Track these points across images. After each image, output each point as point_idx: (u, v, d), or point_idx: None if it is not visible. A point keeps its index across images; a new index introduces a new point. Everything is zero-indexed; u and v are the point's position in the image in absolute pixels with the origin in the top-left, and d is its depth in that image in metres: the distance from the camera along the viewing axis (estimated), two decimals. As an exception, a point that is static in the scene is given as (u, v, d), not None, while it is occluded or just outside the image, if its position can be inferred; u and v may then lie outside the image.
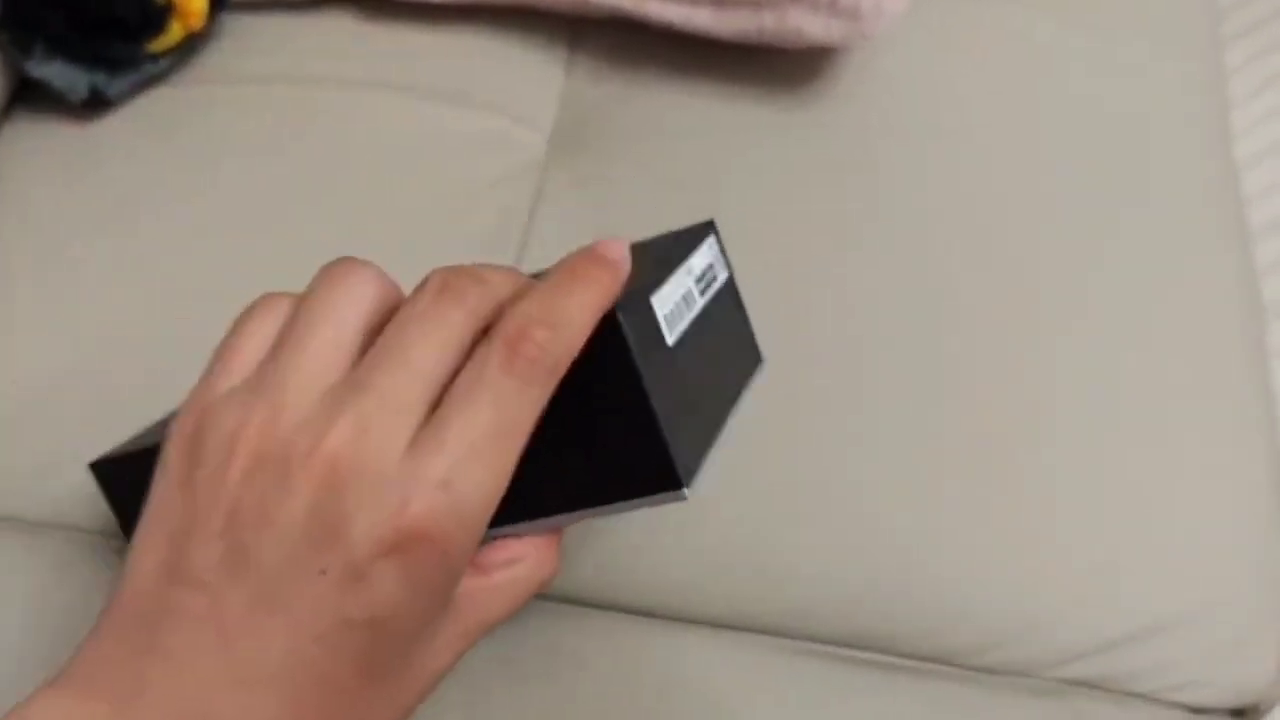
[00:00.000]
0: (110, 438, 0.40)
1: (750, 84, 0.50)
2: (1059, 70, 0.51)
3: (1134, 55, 0.52)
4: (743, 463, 0.39)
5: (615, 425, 0.26)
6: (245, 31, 0.53)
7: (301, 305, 0.25)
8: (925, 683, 0.39)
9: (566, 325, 0.24)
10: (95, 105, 0.49)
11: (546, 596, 0.40)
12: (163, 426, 0.33)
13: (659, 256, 0.30)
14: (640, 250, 0.31)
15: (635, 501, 0.27)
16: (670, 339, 0.27)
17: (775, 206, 0.46)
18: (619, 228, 0.46)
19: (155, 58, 0.50)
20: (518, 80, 0.52)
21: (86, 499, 0.40)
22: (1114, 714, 0.38)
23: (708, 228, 0.32)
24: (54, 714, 0.22)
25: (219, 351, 0.25)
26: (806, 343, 0.43)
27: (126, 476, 0.33)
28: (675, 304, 0.28)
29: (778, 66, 0.50)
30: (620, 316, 0.25)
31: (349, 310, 0.25)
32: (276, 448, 0.22)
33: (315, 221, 0.46)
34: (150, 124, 0.50)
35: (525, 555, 0.26)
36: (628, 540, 0.39)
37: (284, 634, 0.22)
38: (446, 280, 0.25)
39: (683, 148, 0.49)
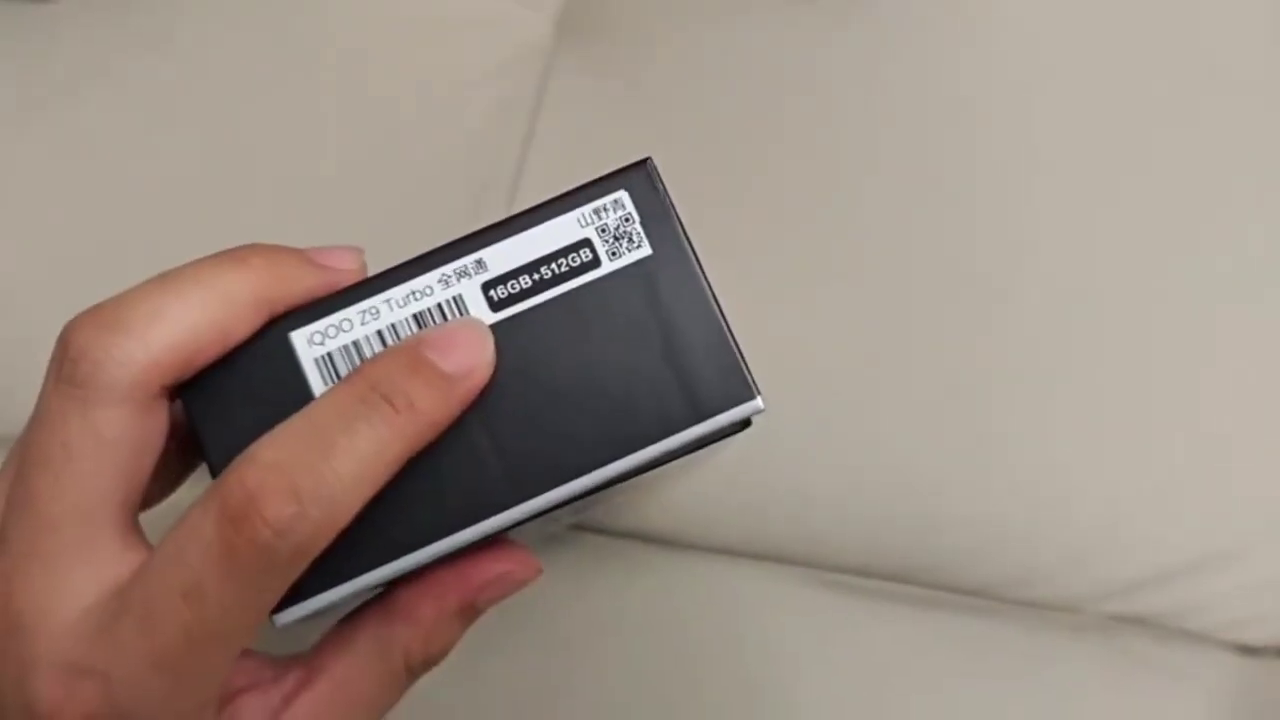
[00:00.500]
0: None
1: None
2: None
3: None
4: (773, 391, 0.36)
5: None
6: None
7: None
8: (961, 616, 0.37)
9: (323, 492, 0.17)
10: (43, -19, 0.44)
11: (581, 526, 0.37)
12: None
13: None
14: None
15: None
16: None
17: (799, 92, 0.42)
18: (636, 120, 0.42)
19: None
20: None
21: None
22: (1161, 654, 0.37)
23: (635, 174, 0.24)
24: None
25: None
26: (836, 245, 0.39)
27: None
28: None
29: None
30: None
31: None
32: None
33: (287, 111, 0.42)
34: (112, 4, 0.44)
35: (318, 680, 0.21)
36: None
37: None
38: (65, 345, 0.18)
39: (707, 30, 0.44)
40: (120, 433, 0.18)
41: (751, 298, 0.39)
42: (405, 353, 0.18)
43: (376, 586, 0.20)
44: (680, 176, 0.40)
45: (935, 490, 0.37)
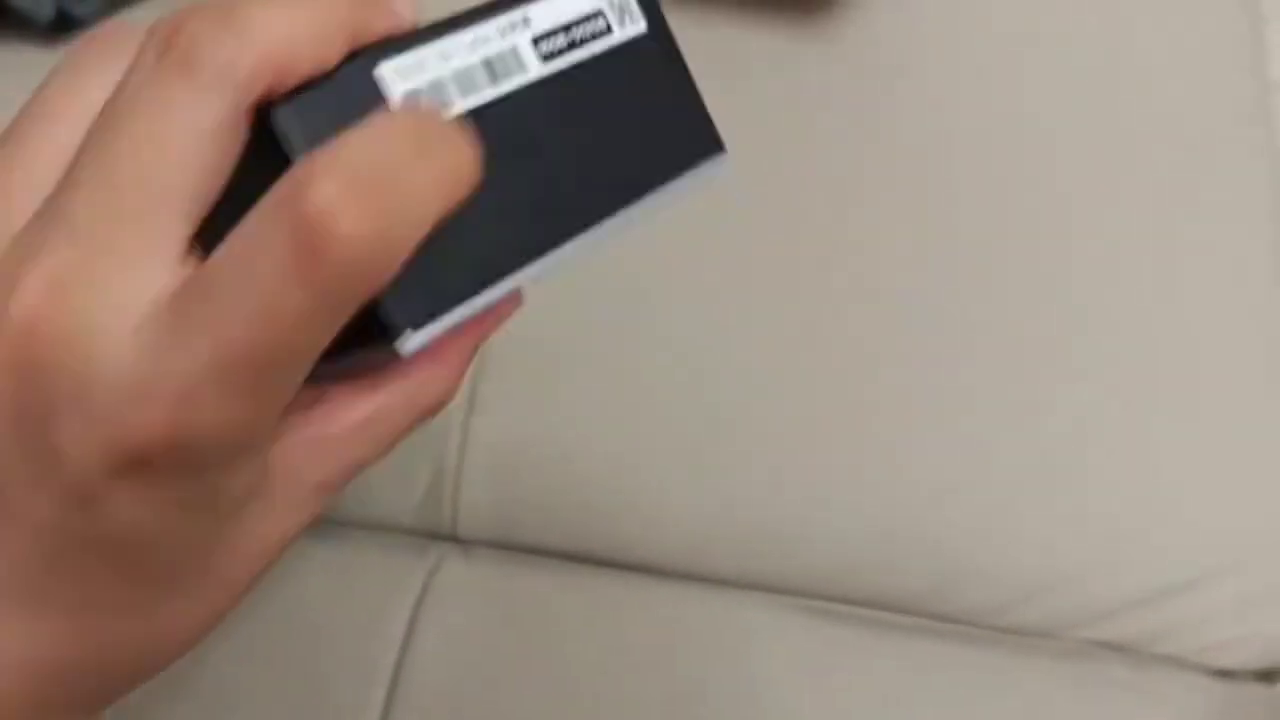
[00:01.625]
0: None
1: (763, 11, 0.47)
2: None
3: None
4: (754, 419, 0.37)
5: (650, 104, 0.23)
6: (222, -55, 0.49)
7: (39, 90, 0.18)
8: (944, 644, 0.38)
9: (402, 217, 0.15)
10: (63, 28, 0.46)
11: (548, 553, 0.38)
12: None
13: None
14: None
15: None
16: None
17: (786, 140, 0.44)
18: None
19: (125, -25, 0.47)
20: None
21: None
22: (1137, 677, 0.37)
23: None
24: None
25: None
26: (817, 287, 0.41)
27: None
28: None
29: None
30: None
31: (88, 94, 0.18)
32: None
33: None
34: (123, 48, 0.46)
35: (389, 382, 0.19)
36: (638, 496, 0.38)
37: (13, 549, 0.17)
38: (175, 31, 0.16)
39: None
40: (217, 131, 0.16)
41: (734, 330, 0.40)
42: None
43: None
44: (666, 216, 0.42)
45: (917, 522, 0.38)
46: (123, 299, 0.16)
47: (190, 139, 0.16)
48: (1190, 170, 0.44)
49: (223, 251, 0.15)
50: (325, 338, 0.15)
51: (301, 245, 0.14)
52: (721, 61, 0.46)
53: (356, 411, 0.19)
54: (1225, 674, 0.38)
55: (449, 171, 0.16)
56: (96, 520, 0.16)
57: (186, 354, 0.15)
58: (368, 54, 0.19)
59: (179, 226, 0.16)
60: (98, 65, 0.18)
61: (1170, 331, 0.41)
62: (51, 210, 0.16)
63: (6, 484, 0.16)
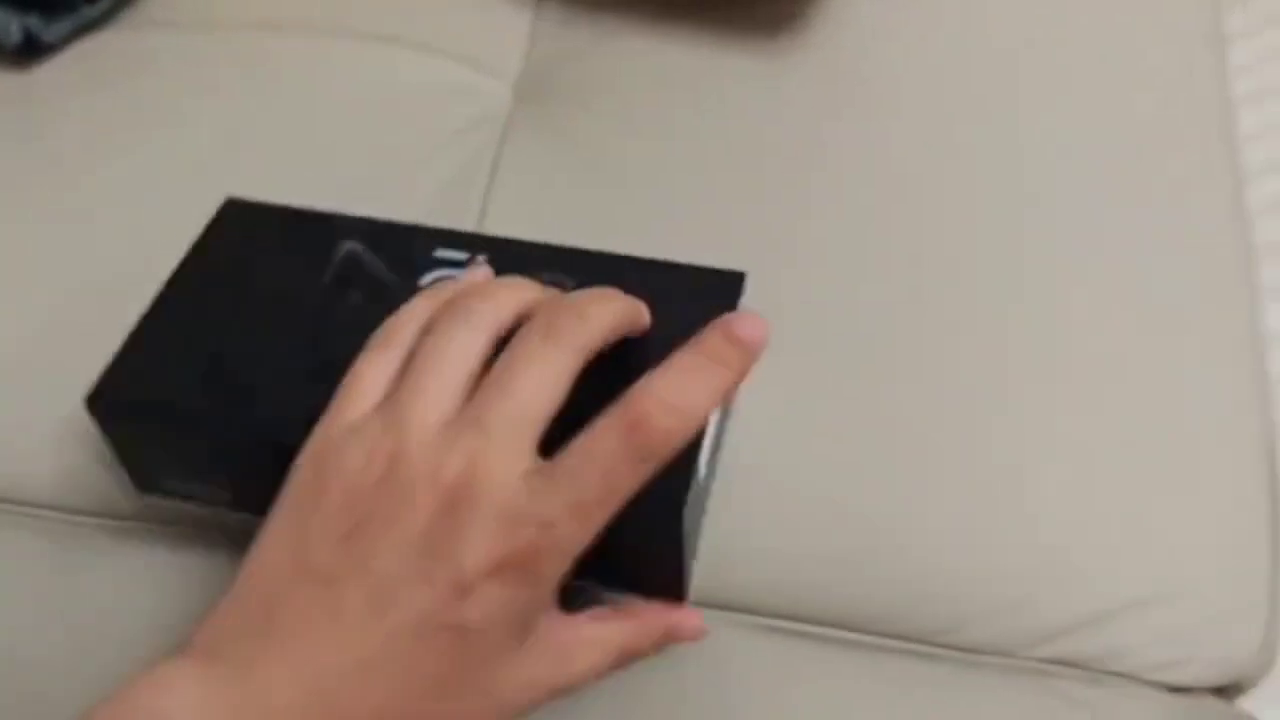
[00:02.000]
0: (54, 409, 0.38)
1: (723, 31, 0.47)
2: (1043, 13, 0.48)
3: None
4: (728, 446, 0.38)
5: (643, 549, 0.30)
6: (190, -29, 0.50)
7: (422, 347, 0.28)
8: (894, 661, 0.38)
9: (690, 413, 0.26)
10: (30, 51, 0.47)
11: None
12: (166, 376, 0.32)
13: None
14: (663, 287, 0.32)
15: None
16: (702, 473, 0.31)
17: (748, 157, 0.44)
18: (586, 181, 0.44)
19: (92, 0, 0.47)
20: (481, 27, 0.49)
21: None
22: (1093, 694, 0.37)
23: (738, 284, 0.34)
24: (177, 677, 0.25)
25: (345, 384, 0.29)
26: (781, 307, 0.41)
27: (128, 420, 0.32)
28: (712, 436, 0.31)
29: (751, 13, 0.47)
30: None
31: (467, 351, 0.28)
32: (403, 470, 0.26)
33: (263, 174, 0.44)
34: (89, 71, 0.47)
35: (613, 619, 0.29)
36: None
37: (390, 629, 0.25)
38: (551, 321, 0.28)
39: (654, 97, 0.46)
40: (566, 379, 0.27)
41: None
42: (724, 328, 0.27)
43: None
44: (632, 235, 0.42)
45: (873, 542, 0.38)
46: (511, 470, 0.26)
47: (553, 384, 0.27)
48: (1153, 190, 0.45)
49: (578, 440, 0.26)
50: (636, 487, 0.26)
51: (630, 430, 0.25)
52: (689, 80, 0.46)
53: (593, 631, 0.29)
54: (1181, 689, 0.38)
55: (712, 392, 0.26)
56: (460, 606, 0.25)
57: (553, 498, 0.25)
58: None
59: (539, 431, 0.26)
60: (475, 337, 0.29)
61: (1119, 354, 0.41)
62: (468, 417, 0.26)
63: (404, 582, 0.25)
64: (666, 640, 0.31)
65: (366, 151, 0.45)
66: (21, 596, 0.36)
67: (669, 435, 0.25)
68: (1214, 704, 0.38)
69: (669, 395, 0.25)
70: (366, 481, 0.26)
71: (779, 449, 0.39)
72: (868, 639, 0.38)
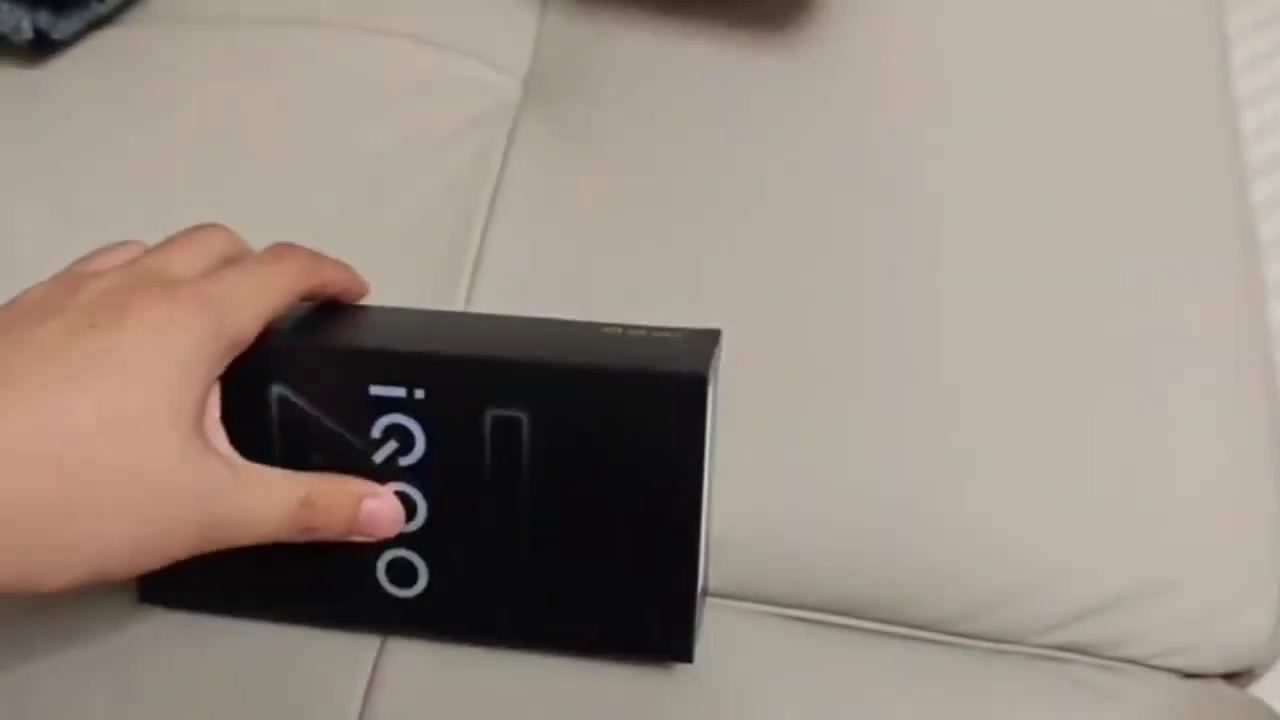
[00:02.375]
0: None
1: (734, 24, 0.47)
2: (1046, 11, 0.48)
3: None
4: (730, 434, 0.38)
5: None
6: (199, -32, 0.50)
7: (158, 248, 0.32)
8: (903, 649, 0.38)
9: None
10: (41, 48, 0.47)
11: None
12: None
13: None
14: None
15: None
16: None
17: (759, 150, 0.44)
18: (597, 173, 0.44)
19: (103, -4, 0.47)
20: (490, 20, 0.49)
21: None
22: (1105, 680, 0.37)
23: (713, 343, 0.33)
24: None
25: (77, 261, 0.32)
26: (787, 297, 0.41)
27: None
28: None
29: (760, 6, 0.48)
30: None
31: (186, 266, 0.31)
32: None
33: (272, 169, 0.44)
34: (100, 67, 0.47)
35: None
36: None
37: (84, 351, 0.28)
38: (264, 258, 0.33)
39: (664, 90, 0.47)
40: None
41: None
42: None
43: None
44: (639, 229, 0.43)
45: (882, 530, 0.38)
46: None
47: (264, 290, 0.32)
48: (1158, 188, 0.45)
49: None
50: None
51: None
52: (698, 73, 0.46)
53: (294, 476, 0.32)
54: (1193, 675, 0.38)
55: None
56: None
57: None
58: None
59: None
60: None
61: (1134, 340, 0.41)
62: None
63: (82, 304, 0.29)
64: (357, 512, 0.32)
65: (375, 147, 0.45)
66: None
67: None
68: (1226, 690, 0.38)
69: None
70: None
71: (786, 437, 0.39)
72: (877, 627, 0.38)
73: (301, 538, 0.31)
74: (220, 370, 0.30)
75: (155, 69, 0.47)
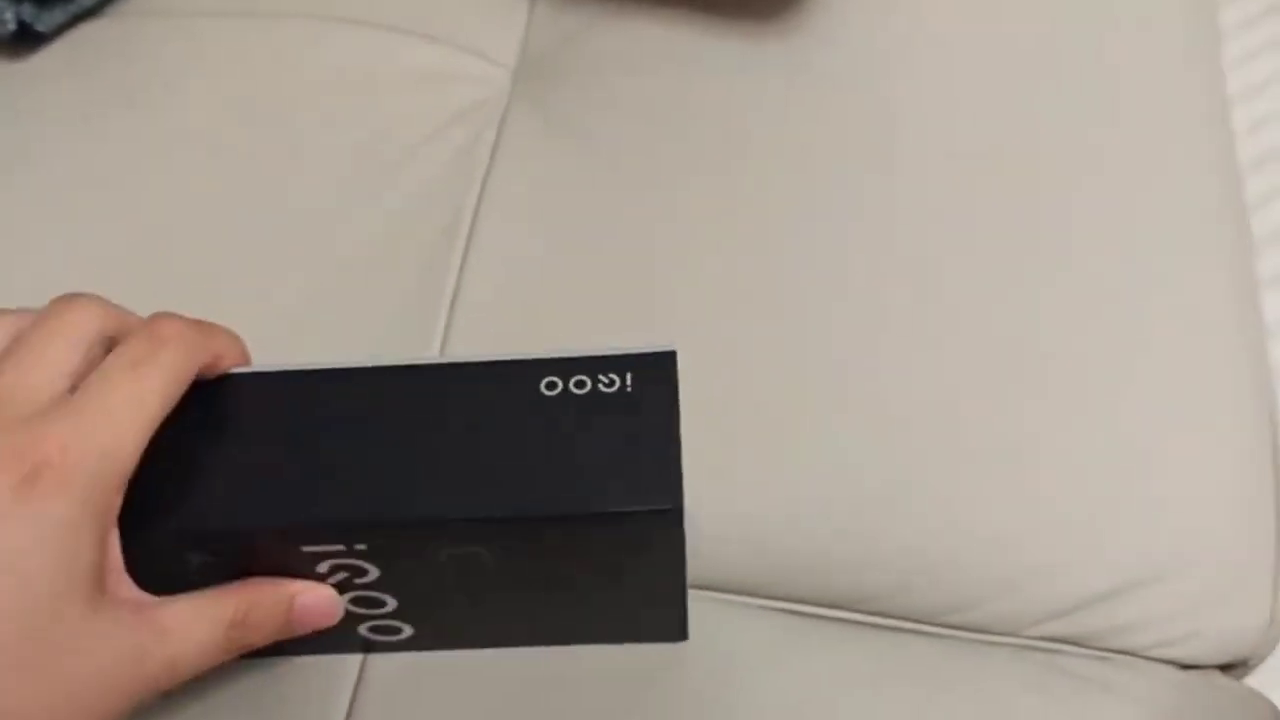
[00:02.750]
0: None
1: (724, 15, 0.47)
2: (1038, 7, 0.48)
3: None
4: (708, 420, 0.37)
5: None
6: (184, -40, 0.49)
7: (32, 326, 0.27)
8: (895, 641, 0.37)
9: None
10: (25, 39, 0.46)
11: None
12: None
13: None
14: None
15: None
16: None
17: (749, 142, 0.44)
18: (588, 166, 0.44)
19: (87, -12, 0.47)
20: (479, 12, 0.49)
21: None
22: (1099, 672, 0.37)
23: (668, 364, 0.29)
24: None
25: None
26: (773, 286, 0.41)
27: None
28: None
29: (753, -5, 0.47)
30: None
31: (59, 361, 0.26)
32: None
33: (256, 162, 0.44)
34: (84, 59, 0.47)
35: (216, 592, 0.28)
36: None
37: None
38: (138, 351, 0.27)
39: (655, 81, 0.46)
40: None
41: (703, 340, 0.40)
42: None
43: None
44: (629, 221, 0.42)
45: (872, 521, 0.37)
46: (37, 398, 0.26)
47: (138, 410, 0.27)
48: (1148, 185, 0.44)
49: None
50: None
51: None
52: (688, 64, 0.46)
53: (212, 598, 0.28)
54: (1189, 666, 0.38)
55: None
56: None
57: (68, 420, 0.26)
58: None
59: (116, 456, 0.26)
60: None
61: (1123, 329, 0.41)
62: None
63: None
64: (290, 614, 0.29)
65: (364, 138, 0.45)
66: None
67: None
68: (1222, 681, 0.38)
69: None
70: None
71: (771, 430, 0.38)
72: (868, 619, 0.38)
73: (236, 655, 0.28)
74: (110, 517, 0.26)
75: (139, 62, 0.47)
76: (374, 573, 0.29)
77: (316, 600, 0.29)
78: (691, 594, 0.37)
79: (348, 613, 0.31)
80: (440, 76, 0.47)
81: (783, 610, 0.38)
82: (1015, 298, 0.41)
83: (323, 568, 0.29)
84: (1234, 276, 0.44)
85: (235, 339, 0.30)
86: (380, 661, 0.35)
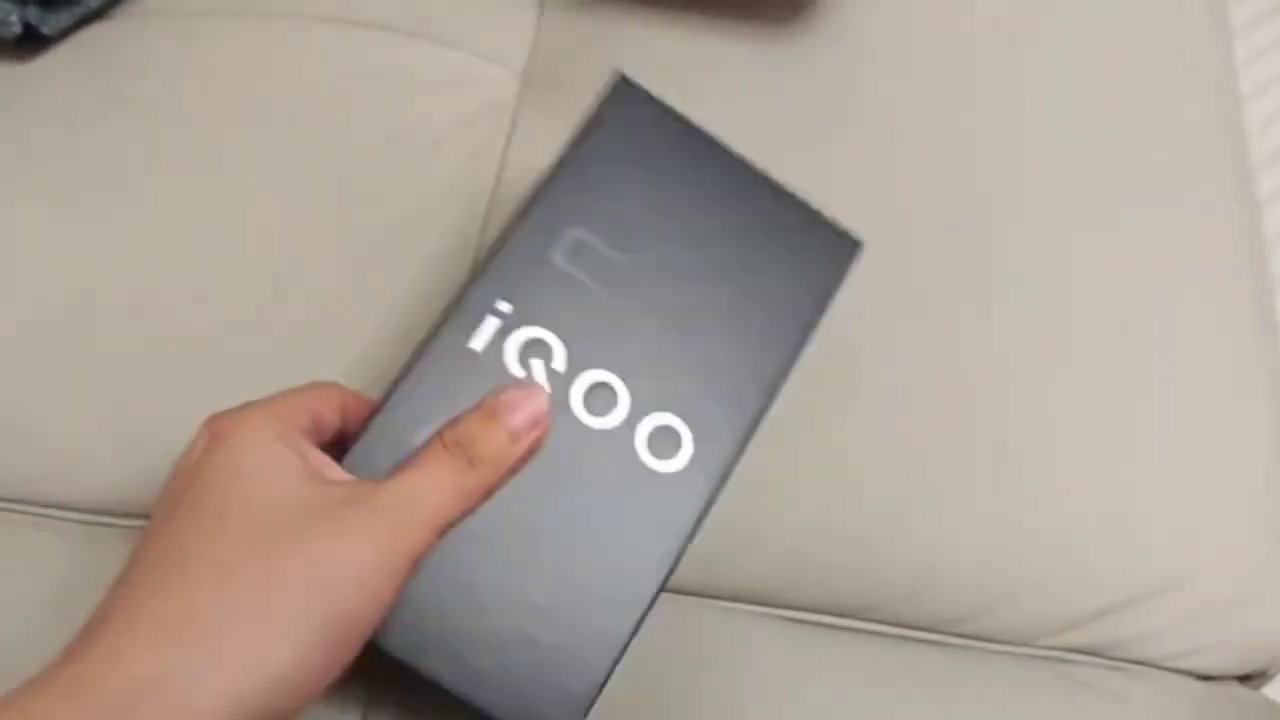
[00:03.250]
0: (63, 405, 0.37)
1: (733, 17, 0.47)
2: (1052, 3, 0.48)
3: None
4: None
5: None
6: (190, -39, 0.49)
7: None
8: (909, 650, 0.37)
9: None
10: (30, 42, 0.46)
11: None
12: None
13: None
14: None
15: None
16: None
17: (757, 143, 0.44)
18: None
19: (93, -10, 0.46)
20: (488, 16, 0.48)
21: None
22: (1115, 682, 0.36)
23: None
24: None
25: None
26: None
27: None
28: None
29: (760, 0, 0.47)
30: None
31: None
32: None
33: (264, 165, 0.43)
34: (90, 62, 0.46)
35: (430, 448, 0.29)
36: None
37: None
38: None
39: (662, 83, 0.46)
40: None
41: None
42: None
43: None
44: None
45: (887, 530, 0.37)
46: None
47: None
48: (1162, 183, 0.44)
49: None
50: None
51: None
52: (697, 66, 0.46)
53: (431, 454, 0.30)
54: (1206, 677, 0.37)
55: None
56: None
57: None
58: None
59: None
60: None
61: (1138, 335, 0.40)
62: None
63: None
64: (496, 416, 0.30)
65: (374, 141, 0.45)
66: (42, 599, 0.35)
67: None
68: (1240, 691, 0.38)
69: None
70: None
71: (781, 435, 0.38)
72: (883, 629, 0.37)
73: (481, 498, 0.29)
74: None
75: (146, 65, 0.46)
76: None
77: (517, 394, 0.30)
78: (702, 602, 0.37)
79: None
80: (450, 80, 0.47)
81: (791, 619, 0.37)
82: (1034, 302, 0.40)
83: None
84: (1248, 279, 0.44)
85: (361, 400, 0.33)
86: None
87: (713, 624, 0.37)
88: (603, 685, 0.30)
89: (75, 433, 0.38)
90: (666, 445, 0.31)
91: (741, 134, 0.44)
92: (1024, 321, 0.40)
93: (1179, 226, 0.43)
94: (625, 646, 0.30)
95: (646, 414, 0.31)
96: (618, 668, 0.30)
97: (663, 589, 0.31)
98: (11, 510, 0.38)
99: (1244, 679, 0.38)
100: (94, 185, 0.43)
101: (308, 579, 0.25)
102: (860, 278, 0.41)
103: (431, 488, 0.28)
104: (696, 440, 0.31)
